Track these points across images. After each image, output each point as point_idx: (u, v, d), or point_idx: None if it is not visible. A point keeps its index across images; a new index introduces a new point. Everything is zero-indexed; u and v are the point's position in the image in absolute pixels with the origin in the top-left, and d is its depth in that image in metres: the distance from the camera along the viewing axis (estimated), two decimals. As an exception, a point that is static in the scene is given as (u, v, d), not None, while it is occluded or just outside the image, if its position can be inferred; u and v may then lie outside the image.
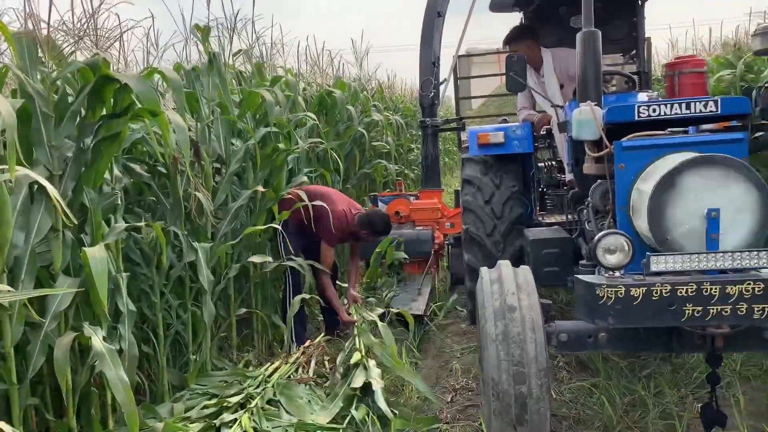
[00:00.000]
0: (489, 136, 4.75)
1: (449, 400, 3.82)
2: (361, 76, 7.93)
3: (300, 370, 3.92)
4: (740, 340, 2.61)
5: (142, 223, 2.97)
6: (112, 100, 2.71)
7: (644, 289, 2.33)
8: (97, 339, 2.41)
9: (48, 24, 2.47)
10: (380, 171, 7.35)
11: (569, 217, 4.37)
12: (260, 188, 3.91)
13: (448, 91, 8.36)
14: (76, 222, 2.43)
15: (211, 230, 3.64)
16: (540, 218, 4.77)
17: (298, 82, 4.97)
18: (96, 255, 2.29)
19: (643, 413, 3.43)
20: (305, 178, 4.80)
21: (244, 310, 3.93)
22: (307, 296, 4.27)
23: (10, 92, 2.72)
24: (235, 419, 3.03)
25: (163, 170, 3.45)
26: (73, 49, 2.64)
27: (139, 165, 3.43)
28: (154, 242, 3.21)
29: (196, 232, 3.56)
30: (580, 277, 2.54)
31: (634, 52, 5.37)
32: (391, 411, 3.34)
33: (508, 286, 2.83)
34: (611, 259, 2.43)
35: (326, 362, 4.23)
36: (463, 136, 7.94)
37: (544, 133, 4.97)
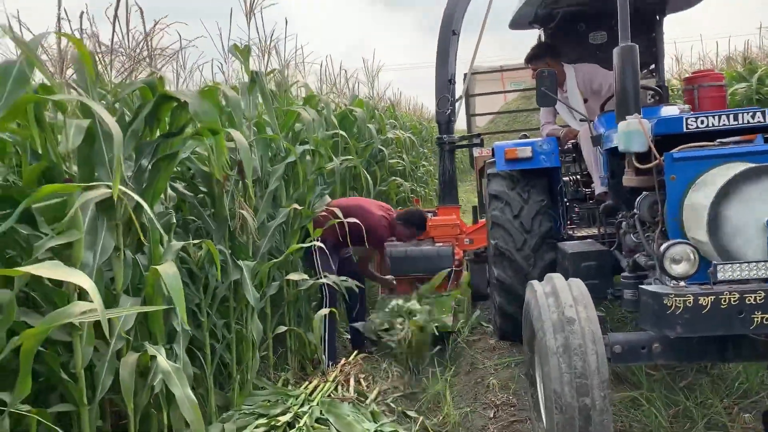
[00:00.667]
0: (517, 151, 4.78)
1: (492, 416, 3.80)
2: (373, 95, 7.99)
3: (340, 388, 3.89)
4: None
5: (195, 241, 2.96)
6: (167, 118, 2.72)
7: (713, 297, 2.35)
8: (162, 358, 2.39)
9: (111, 44, 2.47)
10: (394, 188, 7.37)
11: (602, 229, 4.40)
12: (296, 206, 3.92)
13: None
14: (145, 241, 2.42)
15: (252, 249, 3.63)
16: (570, 232, 4.78)
17: (329, 102, 5.01)
18: (169, 272, 2.28)
19: (690, 424, 3.43)
20: (327, 198, 4.81)
21: (284, 328, 3.90)
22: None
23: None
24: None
25: (204, 189, 3.46)
26: (131, 68, 2.65)
27: (181, 184, 3.43)
28: (201, 261, 3.20)
29: (238, 251, 3.55)
30: (646, 287, 2.55)
31: (653, 66, 5.45)
32: None
33: (565, 299, 2.83)
34: (677, 269, 2.45)
35: (362, 380, 4.22)
36: (476, 152, 8.02)
37: (570, 147, 5.01)
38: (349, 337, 5.20)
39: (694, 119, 2.94)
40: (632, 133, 3.03)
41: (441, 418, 3.91)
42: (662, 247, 2.48)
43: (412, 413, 3.90)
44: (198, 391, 3.35)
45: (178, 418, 2.87)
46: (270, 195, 3.74)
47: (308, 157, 4.05)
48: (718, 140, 2.89)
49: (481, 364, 4.69)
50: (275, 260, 3.60)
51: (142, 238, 2.39)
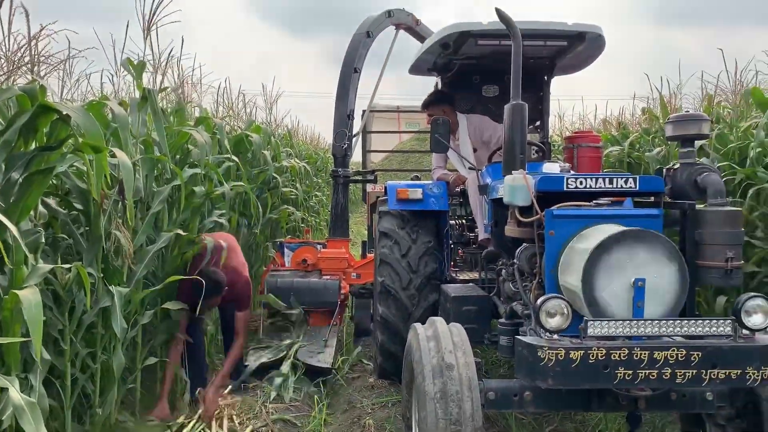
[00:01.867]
0: (408, 192, 4.87)
1: (366, 457, 3.77)
2: (271, 121, 7.90)
3: (214, 424, 3.72)
4: (658, 402, 2.81)
5: (65, 266, 2.74)
6: (45, 130, 2.53)
7: (582, 352, 2.47)
8: (14, 390, 2.18)
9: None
10: (285, 216, 7.28)
11: (483, 274, 4.55)
12: (180, 231, 3.75)
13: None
14: (8, 262, 2.21)
15: (126, 274, 3.42)
16: (453, 274, 4.91)
17: (224, 125, 4.86)
18: (30, 298, 2.09)
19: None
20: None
21: (154, 359, 3.68)
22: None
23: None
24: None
25: (78, 206, 3.23)
26: (9, 73, 2.45)
27: (54, 199, 3.19)
28: (69, 284, 2.97)
29: (111, 276, 3.33)
30: (521, 338, 2.64)
31: (538, 123, 5.77)
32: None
33: (445, 344, 2.88)
34: (552, 322, 2.56)
35: (234, 417, 4.06)
36: (369, 187, 8.12)
37: (458, 192, 5.18)
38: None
39: (574, 179, 3.12)
40: (517, 187, 3.17)
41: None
42: (539, 301, 2.58)
43: (285, 452, 3.80)
44: (53, 424, 3.09)
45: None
46: (152, 217, 3.55)
47: (199, 183, 3.90)
48: (594, 201, 3.09)
49: (359, 403, 4.65)
50: (151, 289, 3.41)
51: (5, 258, 2.18)
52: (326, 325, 5.79)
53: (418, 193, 4.88)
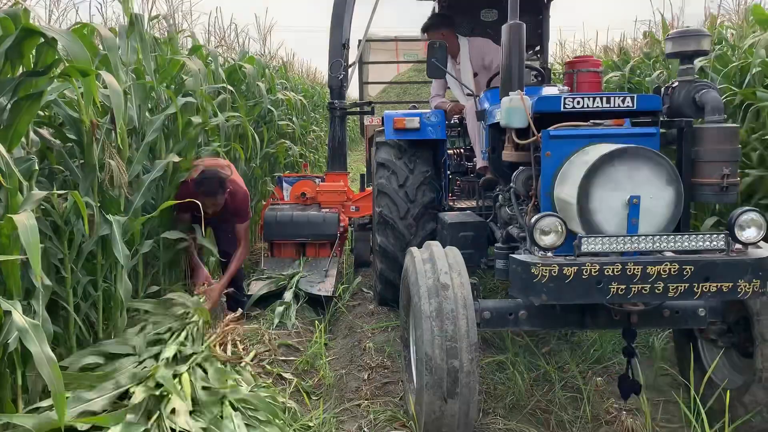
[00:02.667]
0: (405, 121, 4.83)
1: (366, 377, 3.87)
2: (265, 53, 7.75)
3: (217, 348, 3.81)
4: (651, 318, 2.87)
5: (60, 192, 2.74)
6: (32, 55, 2.48)
7: (576, 268, 2.50)
8: (17, 313, 2.22)
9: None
10: (283, 151, 7.24)
11: (481, 202, 4.56)
12: (176, 158, 3.74)
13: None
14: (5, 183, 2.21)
15: (123, 203, 3.44)
16: (450, 203, 4.92)
17: (216, 55, 4.77)
18: (25, 222, 2.10)
19: (548, 387, 3.66)
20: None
21: (155, 288, 3.74)
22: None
23: None
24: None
25: (72, 137, 3.21)
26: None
27: (47, 129, 3.16)
28: (67, 214, 2.98)
29: (109, 205, 3.34)
30: (515, 256, 2.67)
31: (538, 48, 5.66)
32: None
33: (441, 266, 2.92)
34: (546, 240, 2.58)
35: (238, 343, 4.16)
36: (366, 120, 8.05)
37: (456, 121, 5.13)
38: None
39: (571, 99, 3.08)
40: (513, 109, 3.14)
41: (316, 380, 3.95)
42: (533, 219, 2.60)
43: (287, 375, 3.90)
44: (58, 350, 3.16)
45: (35, 379, 2.71)
46: (146, 147, 3.53)
47: (194, 113, 3.86)
48: (592, 121, 3.06)
49: (359, 328, 4.76)
50: (147, 216, 3.42)
51: (2, 181, 2.18)
52: (326, 257, 5.85)
53: (415, 122, 4.83)
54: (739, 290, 2.51)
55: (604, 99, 3.08)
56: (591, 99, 3.07)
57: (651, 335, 4.25)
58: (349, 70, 6.85)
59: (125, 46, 3.32)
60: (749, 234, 2.56)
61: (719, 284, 2.51)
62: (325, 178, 6.72)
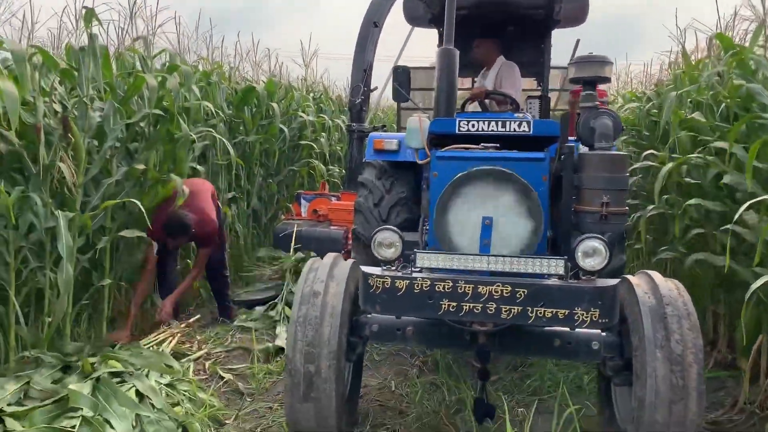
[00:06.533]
0: (384, 142, 4.96)
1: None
2: (308, 78, 8.16)
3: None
4: (511, 342, 2.81)
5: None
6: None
7: (407, 282, 2.54)
8: None
9: None
10: (316, 170, 7.56)
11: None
12: (141, 166, 4.12)
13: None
14: None
15: (81, 202, 3.84)
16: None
17: (212, 73, 5.17)
18: None
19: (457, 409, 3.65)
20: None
21: (108, 281, 4.09)
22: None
23: None
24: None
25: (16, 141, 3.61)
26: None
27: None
28: (11, 206, 3.40)
29: (65, 203, 3.76)
30: (363, 267, 2.75)
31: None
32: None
33: (320, 274, 3.02)
34: (386, 253, 2.64)
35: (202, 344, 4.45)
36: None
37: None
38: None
39: (466, 122, 3.13)
40: (412, 130, 3.23)
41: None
42: (373, 233, 2.67)
43: (228, 376, 4.11)
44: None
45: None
46: (104, 152, 3.93)
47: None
48: (482, 144, 3.08)
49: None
50: (90, 213, 3.79)
51: None
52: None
53: (393, 144, 4.95)
54: (576, 318, 2.45)
55: (500, 123, 3.10)
56: (486, 122, 3.11)
57: (578, 369, 4.12)
58: (374, 93, 7.08)
59: (89, 63, 3.74)
60: (592, 262, 2.49)
61: (555, 310, 2.46)
62: (341, 197, 6.95)
